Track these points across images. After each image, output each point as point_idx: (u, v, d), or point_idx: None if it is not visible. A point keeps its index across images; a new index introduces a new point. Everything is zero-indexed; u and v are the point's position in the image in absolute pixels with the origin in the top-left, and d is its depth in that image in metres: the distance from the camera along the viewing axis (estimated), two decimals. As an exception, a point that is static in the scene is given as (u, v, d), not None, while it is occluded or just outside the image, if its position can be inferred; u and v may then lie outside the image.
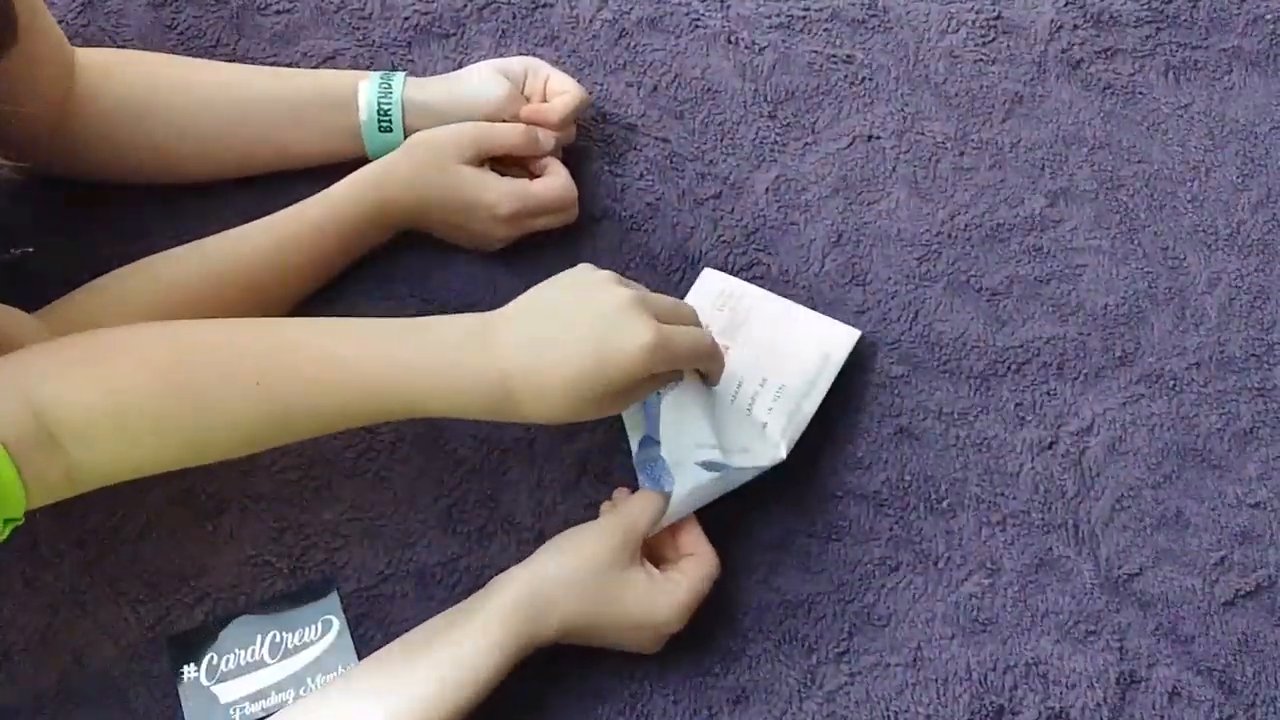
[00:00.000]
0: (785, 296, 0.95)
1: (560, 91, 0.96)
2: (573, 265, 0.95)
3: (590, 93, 1.01)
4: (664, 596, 0.79)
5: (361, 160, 0.93)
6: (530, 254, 0.96)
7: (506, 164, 0.94)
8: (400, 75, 0.95)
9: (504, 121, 0.95)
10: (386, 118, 0.93)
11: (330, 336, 0.75)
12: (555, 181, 0.94)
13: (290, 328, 0.76)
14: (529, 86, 0.97)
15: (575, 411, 0.74)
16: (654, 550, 0.83)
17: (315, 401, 0.73)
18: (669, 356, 0.74)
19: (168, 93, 0.92)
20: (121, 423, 0.69)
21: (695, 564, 0.82)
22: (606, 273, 0.78)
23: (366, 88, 0.94)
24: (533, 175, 0.95)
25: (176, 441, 0.71)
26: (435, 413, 0.75)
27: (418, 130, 0.93)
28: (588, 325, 0.73)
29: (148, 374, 0.70)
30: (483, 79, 0.95)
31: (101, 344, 0.71)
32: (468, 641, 0.76)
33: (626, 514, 0.81)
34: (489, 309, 0.93)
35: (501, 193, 0.91)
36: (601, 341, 0.73)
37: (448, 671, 0.75)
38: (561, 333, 0.73)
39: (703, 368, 0.83)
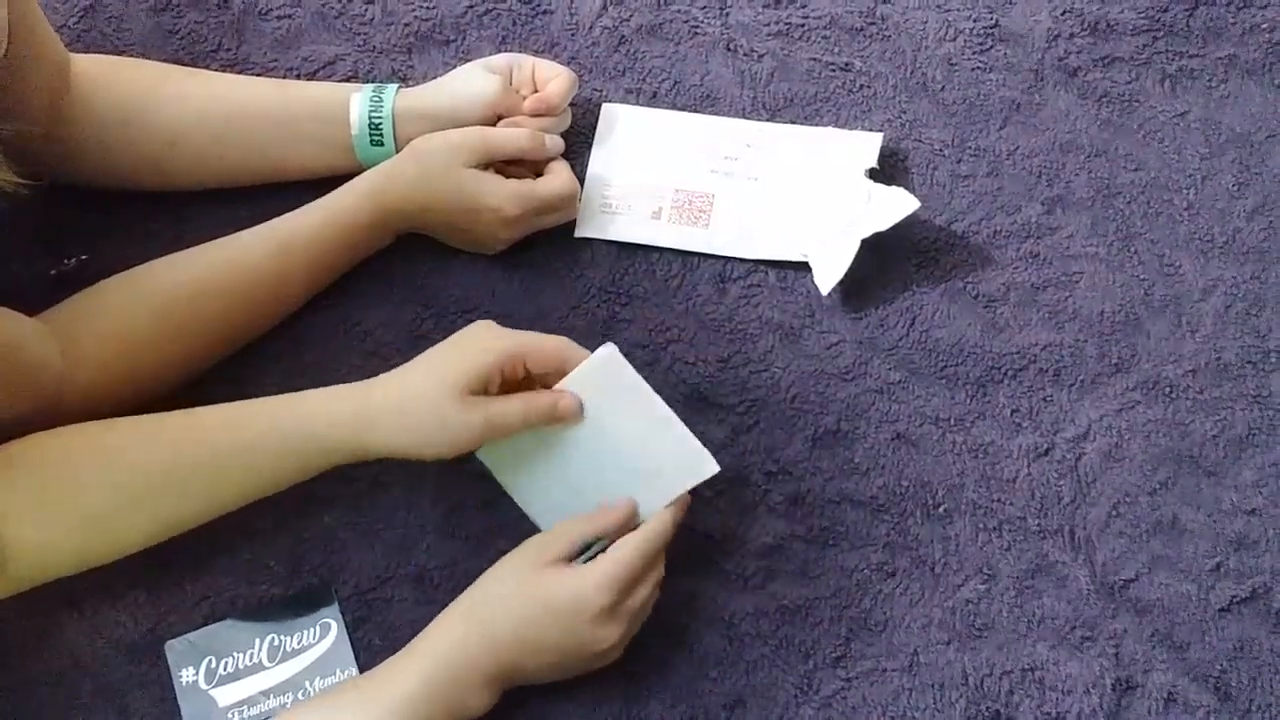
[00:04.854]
0: (784, 304, 0.95)
1: (551, 77, 0.96)
2: (571, 271, 0.96)
3: (589, 97, 1.02)
4: (589, 577, 0.78)
5: (355, 173, 0.93)
6: (527, 259, 0.96)
7: (508, 164, 0.94)
8: (392, 87, 0.94)
9: (499, 116, 0.95)
10: (378, 131, 0.93)
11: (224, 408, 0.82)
12: (558, 180, 0.94)
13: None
14: (517, 78, 0.96)
15: (433, 414, 0.79)
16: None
17: (206, 441, 0.80)
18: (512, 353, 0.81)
19: (161, 101, 0.92)
20: (40, 499, 0.77)
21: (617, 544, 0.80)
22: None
23: (358, 101, 0.93)
24: (536, 173, 0.95)
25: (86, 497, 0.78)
26: (303, 429, 0.80)
27: (412, 140, 0.93)
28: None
29: (57, 461, 0.78)
30: (472, 78, 0.95)
31: (31, 442, 0.78)
32: (396, 679, 0.77)
33: (547, 535, 0.82)
34: (487, 312, 0.94)
35: (506, 195, 0.91)
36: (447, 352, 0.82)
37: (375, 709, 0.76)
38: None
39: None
